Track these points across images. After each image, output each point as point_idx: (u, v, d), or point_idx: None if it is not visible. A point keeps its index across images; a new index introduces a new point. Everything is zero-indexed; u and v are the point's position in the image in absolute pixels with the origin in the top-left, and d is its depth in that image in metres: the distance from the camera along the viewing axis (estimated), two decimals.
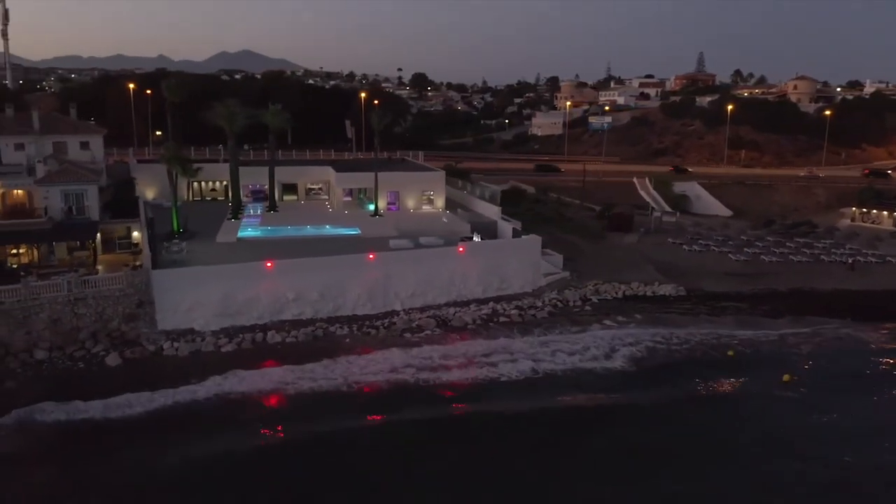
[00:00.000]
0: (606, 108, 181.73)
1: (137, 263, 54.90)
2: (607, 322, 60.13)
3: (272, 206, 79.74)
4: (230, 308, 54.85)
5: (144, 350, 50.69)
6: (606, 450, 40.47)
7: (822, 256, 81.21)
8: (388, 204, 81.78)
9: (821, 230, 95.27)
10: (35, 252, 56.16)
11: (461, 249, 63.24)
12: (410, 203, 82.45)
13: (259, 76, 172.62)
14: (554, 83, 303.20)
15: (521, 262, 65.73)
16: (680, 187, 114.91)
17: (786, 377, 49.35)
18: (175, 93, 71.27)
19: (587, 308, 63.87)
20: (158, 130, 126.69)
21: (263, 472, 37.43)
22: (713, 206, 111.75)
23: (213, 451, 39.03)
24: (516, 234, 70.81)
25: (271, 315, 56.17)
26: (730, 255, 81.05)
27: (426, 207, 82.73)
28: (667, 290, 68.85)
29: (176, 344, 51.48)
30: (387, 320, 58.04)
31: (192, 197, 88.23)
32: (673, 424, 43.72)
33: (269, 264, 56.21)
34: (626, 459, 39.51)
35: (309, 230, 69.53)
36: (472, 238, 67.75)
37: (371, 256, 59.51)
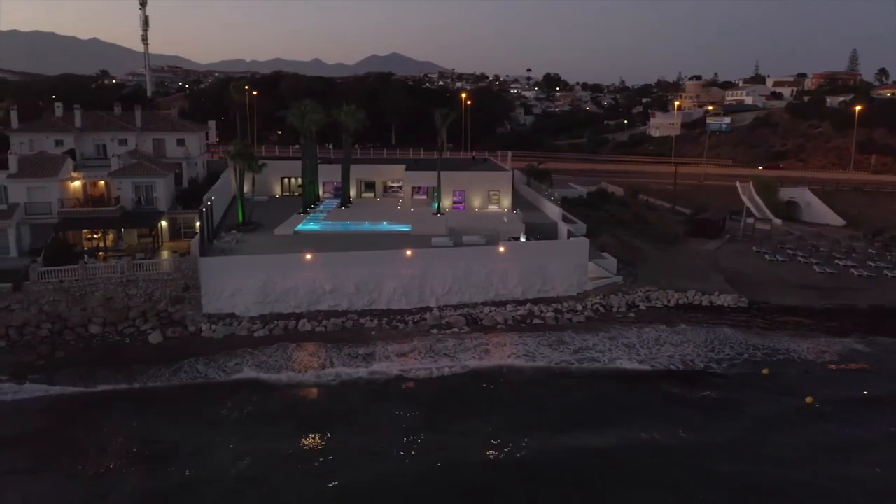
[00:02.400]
0: (710, 107, 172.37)
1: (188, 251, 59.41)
2: (647, 330, 57.85)
3: (344, 203, 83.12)
4: (269, 296, 58.15)
5: (185, 330, 55.06)
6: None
7: None
8: (455, 202, 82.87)
9: None
10: (109, 237, 62.32)
11: (502, 249, 63.18)
12: (477, 202, 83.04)
13: (369, 77, 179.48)
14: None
15: (566, 265, 64.48)
16: (788, 193, 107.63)
17: (808, 399, 45.53)
18: (240, 93, 76.09)
19: (630, 315, 61.68)
20: (279, 130, 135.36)
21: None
22: (825, 214, 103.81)
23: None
24: (571, 236, 69.62)
25: (308, 305, 58.90)
26: (815, 266, 75.16)
27: (493, 207, 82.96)
28: (726, 300, 65.01)
29: (214, 327, 55.41)
30: (418, 316, 59.20)
31: (282, 192, 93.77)
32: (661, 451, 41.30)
33: (308, 256, 59.04)
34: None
35: (366, 226, 71.94)
36: (518, 238, 67.35)
37: (408, 253, 60.88)
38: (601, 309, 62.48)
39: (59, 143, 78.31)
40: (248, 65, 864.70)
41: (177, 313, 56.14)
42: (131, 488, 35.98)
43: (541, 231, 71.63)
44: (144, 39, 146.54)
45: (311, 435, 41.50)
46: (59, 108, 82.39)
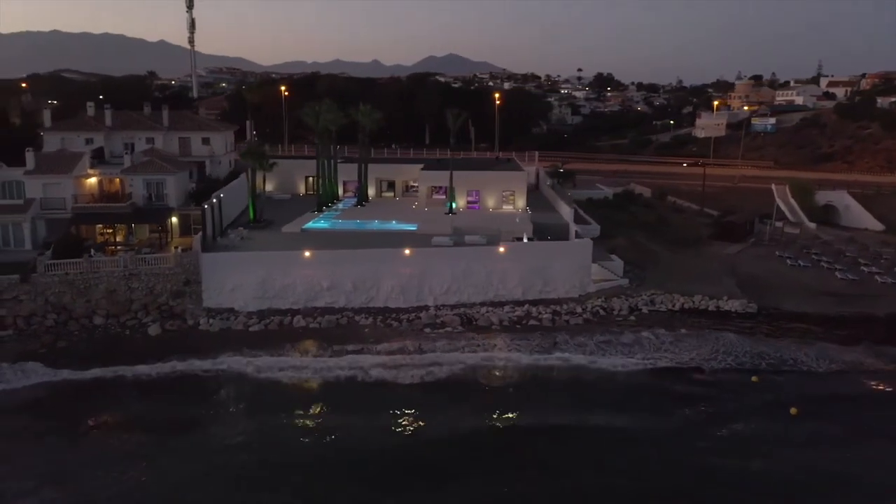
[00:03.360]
0: (747, 107, 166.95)
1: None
2: (645, 334, 56.71)
3: (360, 202, 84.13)
4: (268, 292, 59.35)
5: (184, 324, 56.71)
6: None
7: None
8: (469, 203, 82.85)
9: None
10: (121, 232, 64.61)
11: (502, 249, 62.92)
12: (491, 202, 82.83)
13: (404, 79, 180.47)
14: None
15: (569, 266, 63.75)
16: (825, 196, 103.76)
17: (793, 410, 43.93)
18: (254, 94, 77.73)
19: (631, 318, 60.53)
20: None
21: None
22: (863, 218, 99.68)
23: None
24: (578, 237, 68.81)
25: (306, 301, 59.86)
26: (837, 272, 72.34)
27: (507, 207, 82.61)
28: (734, 305, 63.16)
29: (211, 321, 56.89)
30: (413, 315, 59.43)
31: (306, 191, 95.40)
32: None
33: (307, 254, 60.01)
34: None
35: (375, 225, 72.68)
36: (521, 238, 66.91)
37: (407, 252, 61.22)
38: (601, 311, 61.51)
39: (89, 141, 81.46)
40: (309, 66, 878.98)
41: (177, 307, 57.86)
42: (129, 458, 38.97)
43: (553, 232, 70.90)
44: (191, 41, 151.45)
45: (290, 417, 43.89)
46: (91, 108, 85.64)
